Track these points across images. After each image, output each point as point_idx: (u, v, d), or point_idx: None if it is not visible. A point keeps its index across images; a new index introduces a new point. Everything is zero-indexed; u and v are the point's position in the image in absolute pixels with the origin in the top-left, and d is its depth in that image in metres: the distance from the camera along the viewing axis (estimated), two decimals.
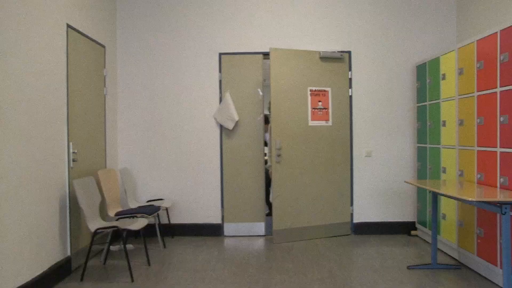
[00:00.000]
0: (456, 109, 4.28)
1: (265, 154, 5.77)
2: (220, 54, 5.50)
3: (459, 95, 4.24)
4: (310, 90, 5.25)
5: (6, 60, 3.11)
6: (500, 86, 3.55)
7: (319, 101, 5.29)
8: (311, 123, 5.26)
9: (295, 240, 5.15)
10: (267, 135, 5.98)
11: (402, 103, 5.50)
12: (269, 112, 5.50)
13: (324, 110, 5.31)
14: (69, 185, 4.03)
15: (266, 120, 6.05)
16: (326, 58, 5.31)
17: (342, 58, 5.42)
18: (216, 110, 5.47)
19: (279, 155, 5.05)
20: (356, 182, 5.50)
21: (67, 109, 4.04)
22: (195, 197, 5.49)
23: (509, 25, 3.45)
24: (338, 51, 5.42)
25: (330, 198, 5.34)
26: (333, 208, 5.36)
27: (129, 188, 5.16)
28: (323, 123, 5.31)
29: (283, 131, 5.11)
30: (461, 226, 4.19)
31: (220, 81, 5.50)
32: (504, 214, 3.08)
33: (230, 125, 5.39)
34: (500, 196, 3.18)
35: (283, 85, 5.11)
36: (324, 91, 5.32)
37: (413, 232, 5.39)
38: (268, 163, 5.50)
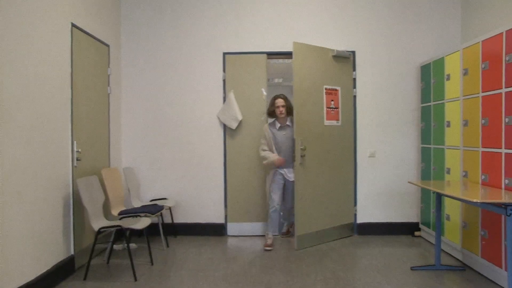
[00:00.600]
0: (460, 110, 4.26)
1: None
2: (224, 53, 5.49)
3: (463, 96, 4.22)
4: (325, 89, 5.12)
5: (11, 59, 3.11)
6: (506, 87, 3.53)
7: (332, 100, 5.17)
8: (326, 122, 5.13)
9: (315, 244, 4.96)
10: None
11: (406, 103, 5.48)
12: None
13: (335, 109, 5.21)
14: (73, 184, 4.03)
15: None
16: (337, 56, 5.24)
17: (349, 58, 5.40)
18: (219, 110, 5.47)
19: (302, 156, 4.83)
20: (360, 182, 5.48)
21: (71, 108, 4.04)
22: (198, 197, 5.49)
23: None
24: (346, 51, 5.39)
25: (341, 199, 5.29)
26: (342, 209, 5.31)
27: (133, 187, 5.16)
28: (334, 122, 5.20)
29: (305, 130, 4.87)
30: (465, 227, 4.17)
31: (224, 81, 5.49)
32: (509, 216, 3.06)
33: (233, 125, 5.38)
34: (505, 197, 3.17)
35: (304, 82, 4.88)
36: (336, 90, 5.22)
37: (416, 233, 5.37)
38: (270, 158, 4.95)
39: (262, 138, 5.07)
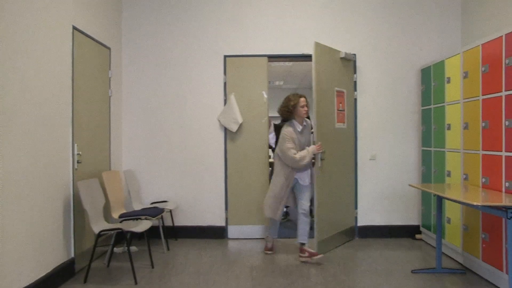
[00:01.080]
0: (461, 113, 4.26)
1: (270, 157, 5.62)
2: (225, 56, 5.50)
3: (464, 99, 4.22)
4: (336, 91, 5.05)
5: (12, 62, 3.12)
6: (506, 90, 3.53)
7: (340, 103, 5.11)
8: (337, 125, 5.06)
9: (331, 248, 4.88)
10: (271, 136, 5.73)
11: (406, 106, 5.48)
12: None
13: (342, 112, 5.16)
14: (73, 186, 4.03)
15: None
16: (343, 59, 5.20)
17: (352, 60, 5.40)
18: (220, 113, 5.47)
19: (322, 159, 4.69)
20: (361, 185, 5.47)
21: (72, 110, 4.05)
22: (199, 199, 5.48)
23: None
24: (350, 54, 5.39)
25: (345, 202, 5.28)
26: (346, 212, 5.30)
27: (133, 190, 5.17)
28: (341, 125, 5.15)
29: (324, 133, 4.76)
30: (466, 230, 4.17)
31: (225, 84, 5.50)
32: (509, 219, 3.06)
33: (234, 128, 5.38)
34: (505, 200, 3.17)
35: (322, 83, 4.76)
36: (343, 92, 5.17)
37: (417, 236, 5.36)
38: (309, 153, 4.56)
39: (289, 142, 4.52)
